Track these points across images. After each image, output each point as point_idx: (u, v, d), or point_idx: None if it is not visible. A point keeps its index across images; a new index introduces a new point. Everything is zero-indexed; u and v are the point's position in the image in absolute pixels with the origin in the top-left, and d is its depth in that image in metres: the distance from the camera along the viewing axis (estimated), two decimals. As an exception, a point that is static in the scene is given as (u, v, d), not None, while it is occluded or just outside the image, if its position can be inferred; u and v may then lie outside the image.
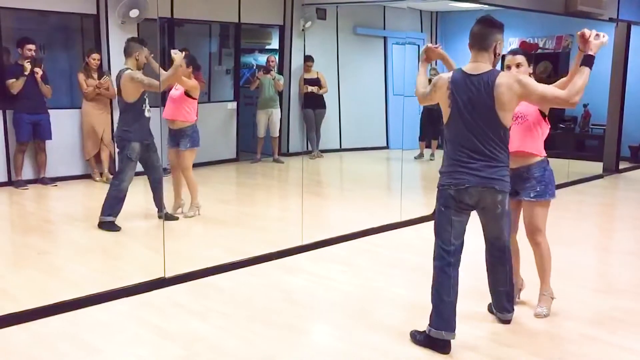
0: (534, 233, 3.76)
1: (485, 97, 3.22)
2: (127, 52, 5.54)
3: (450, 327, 3.33)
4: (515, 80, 3.23)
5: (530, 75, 3.64)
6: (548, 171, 3.74)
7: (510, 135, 3.36)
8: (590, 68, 3.24)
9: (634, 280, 4.72)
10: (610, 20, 9.14)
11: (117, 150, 5.83)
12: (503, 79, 3.23)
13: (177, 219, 5.83)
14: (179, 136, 5.85)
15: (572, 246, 5.27)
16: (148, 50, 5.63)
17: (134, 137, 5.50)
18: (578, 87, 3.17)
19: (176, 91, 5.89)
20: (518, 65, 3.67)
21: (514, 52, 3.75)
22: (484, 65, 3.29)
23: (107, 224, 5.52)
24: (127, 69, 5.48)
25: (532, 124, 3.71)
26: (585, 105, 9.35)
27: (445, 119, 3.37)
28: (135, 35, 7.91)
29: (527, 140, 3.69)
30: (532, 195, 3.69)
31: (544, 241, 3.79)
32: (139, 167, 7.90)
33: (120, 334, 3.49)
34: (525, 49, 3.55)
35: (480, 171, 3.26)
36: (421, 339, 3.39)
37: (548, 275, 3.83)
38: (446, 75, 3.39)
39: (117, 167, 5.84)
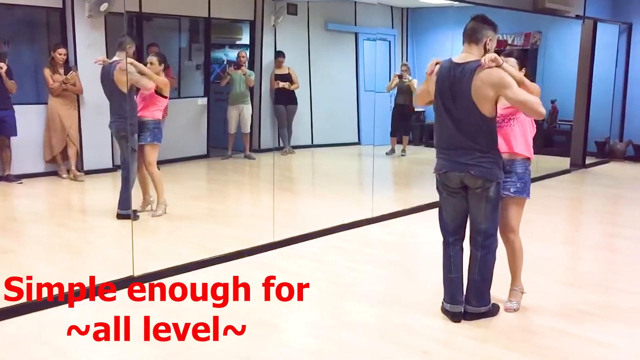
0: (507, 230, 3.78)
1: (465, 84, 3.36)
2: (122, 47, 5.57)
3: (454, 300, 3.63)
4: (496, 72, 3.32)
5: None
6: (528, 171, 3.80)
7: (502, 136, 3.55)
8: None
9: (602, 274, 4.80)
10: (577, 17, 9.28)
11: (117, 143, 5.92)
12: (487, 72, 3.33)
13: (134, 218, 5.59)
14: (141, 130, 5.77)
15: (541, 241, 5.34)
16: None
17: (134, 129, 5.59)
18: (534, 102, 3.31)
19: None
20: None
21: (506, 54, 3.78)
22: (471, 56, 3.42)
23: (128, 216, 5.36)
24: (119, 61, 5.52)
25: (522, 125, 3.72)
26: (552, 102, 9.49)
27: (434, 109, 3.54)
28: (103, 30, 7.80)
29: (518, 141, 3.70)
30: (512, 190, 3.71)
31: (517, 239, 3.82)
32: (107, 165, 7.89)
33: (88, 334, 3.41)
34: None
35: (457, 157, 3.46)
36: (442, 309, 3.71)
37: (519, 271, 3.87)
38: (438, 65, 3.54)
39: (121, 161, 5.81)
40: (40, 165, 7.65)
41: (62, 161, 7.65)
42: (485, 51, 3.44)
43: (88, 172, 7.70)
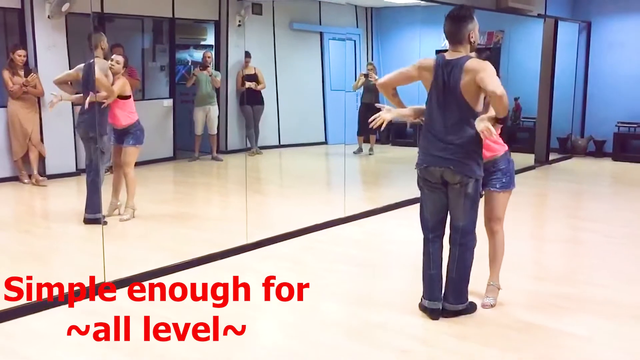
0: (494, 221, 3.85)
1: (455, 80, 3.41)
2: (94, 44, 5.50)
3: (433, 296, 3.63)
4: (479, 63, 3.40)
5: None
6: (511, 162, 3.88)
7: None
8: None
9: (569, 267, 4.90)
10: (539, 16, 9.46)
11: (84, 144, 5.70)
12: (472, 62, 3.40)
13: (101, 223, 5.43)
14: (123, 134, 5.72)
15: (509, 237, 5.37)
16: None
17: (104, 130, 5.51)
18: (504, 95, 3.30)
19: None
20: None
21: (477, 51, 3.77)
22: (459, 54, 3.48)
23: (96, 220, 5.33)
24: (97, 57, 5.46)
25: None
26: (516, 99, 9.66)
27: (428, 98, 3.57)
28: (64, 31, 7.61)
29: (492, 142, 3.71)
30: (498, 186, 3.79)
31: (502, 230, 3.89)
32: (70, 169, 7.70)
33: (59, 344, 3.31)
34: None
35: (438, 152, 3.49)
36: (420, 305, 3.71)
37: (499, 265, 3.92)
38: (430, 59, 3.56)
39: (86, 164, 5.69)
40: (0, 170, 7.41)
41: (23, 165, 7.43)
42: (471, 44, 3.51)
43: (51, 177, 7.51)
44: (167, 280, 4.26)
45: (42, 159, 7.48)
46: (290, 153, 10.36)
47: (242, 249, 4.91)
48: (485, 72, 3.34)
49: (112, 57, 5.76)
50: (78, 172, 7.68)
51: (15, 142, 7.32)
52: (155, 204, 6.58)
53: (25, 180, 7.36)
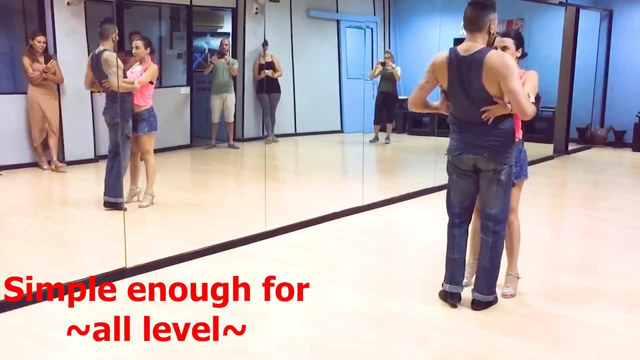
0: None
1: (474, 78, 3.37)
2: (105, 35, 5.55)
3: (455, 280, 3.65)
4: (501, 61, 3.32)
5: (516, 60, 3.66)
6: (523, 152, 3.84)
7: None
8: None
9: (588, 257, 4.86)
10: (560, 4, 9.33)
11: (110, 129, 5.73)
12: (491, 57, 3.33)
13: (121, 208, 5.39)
14: (136, 121, 5.71)
15: (528, 227, 5.34)
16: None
17: (129, 115, 5.59)
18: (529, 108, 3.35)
19: (132, 74, 5.73)
20: (504, 48, 3.63)
21: (503, 34, 3.74)
22: (476, 45, 3.41)
23: (117, 205, 5.44)
24: (104, 50, 5.48)
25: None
26: (535, 88, 9.54)
27: (448, 94, 3.55)
28: (83, 17, 7.64)
29: None
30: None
31: (517, 220, 3.86)
32: (89, 155, 7.76)
33: (83, 328, 3.34)
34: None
35: (472, 139, 3.49)
36: (441, 293, 3.72)
37: (517, 255, 3.90)
38: (442, 55, 3.49)
39: (109, 149, 5.73)
40: (21, 156, 7.48)
41: (43, 152, 7.49)
42: (490, 35, 3.44)
43: (70, 163, 7.57)
44: (185, 267, 4.28)
45: (61, 145, 7.54)
46: (306, 141, 10.35)
47: (260, 237, 4.92)
48: (512, 83, 3.27)
49: (133, 42, 5.80)
50: (97, 159, 7.75)
51: (35, 128, 7.38)
52: (173, 191, 6.61)
53: (45, 167, 7.44)
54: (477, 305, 3.62)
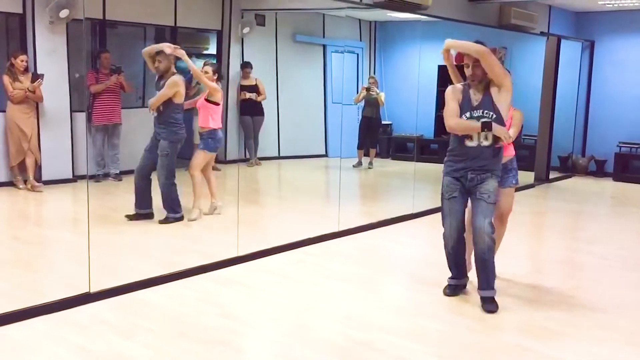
0: (506, 214, 4.56)
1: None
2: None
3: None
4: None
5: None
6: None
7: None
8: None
9: (564, 289, 4.81)
10: (542, 34, 9.44)
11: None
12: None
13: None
14: (200, 138, 6.38)
15: (504, 255, 5.33)
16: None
17: (164, 135, 6.08)
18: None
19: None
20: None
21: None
22: None
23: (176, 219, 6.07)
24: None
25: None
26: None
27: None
28: (64, 36, 7.61)
29: (510, 145, 4.40)
30: (514, 182, 4.53)
31: (506, 222, 4.62)
32: (67, 175, 7.67)
33: (38, 356, 3.25)
34: (460, 62, 4.11)
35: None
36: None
37: (497, 248, 4.42)
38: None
39: (166, 167, 6.16)
40: (-5, 175, 7.38)
41: (19, 171, 7.39)
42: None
43: (47, 183, 7.47)
44: (153, 292, 4.20)
45: (38, 164, 7.45)
46: (289, 165, 10.30)
47: (232, 262, 4.85)
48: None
49: (203, 68, 6.38)
50: (75, 179, 7.65)
51: (13, 147, 7.28)
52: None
53: (20, 186, 7.32)
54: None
